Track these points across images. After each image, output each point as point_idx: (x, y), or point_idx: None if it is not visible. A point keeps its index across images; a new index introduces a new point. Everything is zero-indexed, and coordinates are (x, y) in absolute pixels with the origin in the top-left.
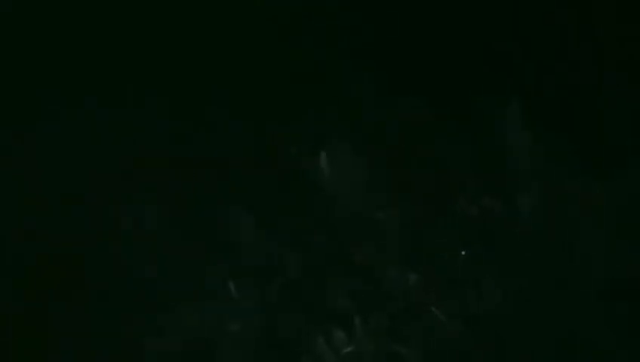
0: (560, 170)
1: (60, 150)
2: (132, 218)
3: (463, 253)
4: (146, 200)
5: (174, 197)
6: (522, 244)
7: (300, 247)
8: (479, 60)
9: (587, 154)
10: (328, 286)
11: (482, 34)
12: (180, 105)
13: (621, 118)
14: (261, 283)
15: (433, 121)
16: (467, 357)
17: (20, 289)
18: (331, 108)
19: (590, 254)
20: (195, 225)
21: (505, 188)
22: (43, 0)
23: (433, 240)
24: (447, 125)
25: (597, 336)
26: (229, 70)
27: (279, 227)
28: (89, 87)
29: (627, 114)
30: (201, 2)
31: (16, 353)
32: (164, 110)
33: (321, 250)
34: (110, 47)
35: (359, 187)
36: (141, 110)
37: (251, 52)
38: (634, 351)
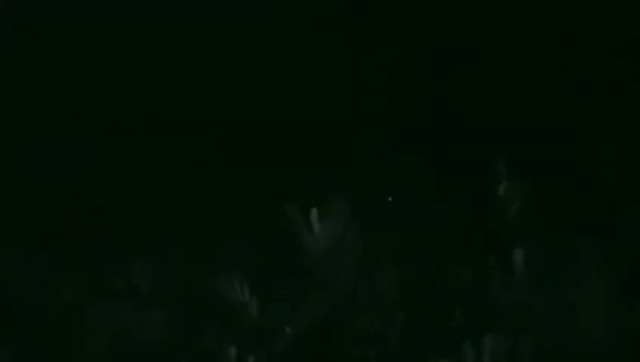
0: (551, 227)
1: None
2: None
3: (460, 313)
4: (137, 263)
5: (167, 261)
6: (518, 304)
7: (296, 314)
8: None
9: (578, 207)
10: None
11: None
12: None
13: (612, 168)
14: (258, 348)
15: (425, 183)
16: None
17: None
18: (328, 168)
19: (587, 313)
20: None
21: (499, 246)
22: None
23: (430, 302)
24: (443, 186)
25: None
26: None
27: (276, 293)
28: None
29: (618, 163)
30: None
31: None
32: (159, 164)
33: (317, 316)
34: (108, 100)
35: (356, 250)
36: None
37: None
38: None
